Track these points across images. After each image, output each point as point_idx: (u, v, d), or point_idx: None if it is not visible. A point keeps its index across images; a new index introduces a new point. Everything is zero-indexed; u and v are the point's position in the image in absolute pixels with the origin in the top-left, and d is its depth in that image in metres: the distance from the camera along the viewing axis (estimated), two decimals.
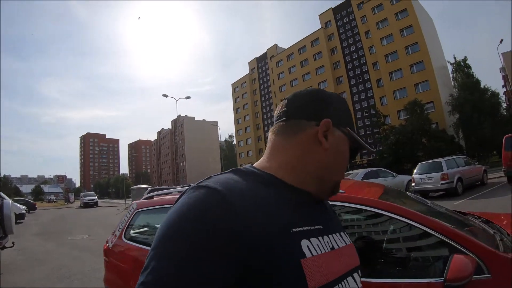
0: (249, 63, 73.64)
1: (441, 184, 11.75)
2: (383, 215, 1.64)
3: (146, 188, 21.29)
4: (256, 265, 0.50)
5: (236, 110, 75.40)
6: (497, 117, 30.38)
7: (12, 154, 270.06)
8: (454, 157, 13.32)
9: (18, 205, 19.55)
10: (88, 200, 36.97)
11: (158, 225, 0.56)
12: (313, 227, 0.60)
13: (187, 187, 0.60)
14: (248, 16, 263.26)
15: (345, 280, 0.61)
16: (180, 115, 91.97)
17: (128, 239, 2.61)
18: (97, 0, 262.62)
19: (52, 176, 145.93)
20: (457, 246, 1.42)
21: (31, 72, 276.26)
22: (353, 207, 1.73)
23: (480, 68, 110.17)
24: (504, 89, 37.28)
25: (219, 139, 73.94)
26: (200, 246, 0.48)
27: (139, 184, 48.69)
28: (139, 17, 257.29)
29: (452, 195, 11.42)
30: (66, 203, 52.31)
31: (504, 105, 33.51)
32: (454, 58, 37.48)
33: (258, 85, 69.88)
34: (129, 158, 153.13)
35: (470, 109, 30.41)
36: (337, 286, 0.58)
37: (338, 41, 50.13)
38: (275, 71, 61.54)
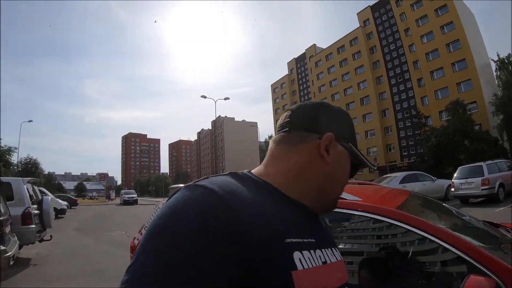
0: (288, 63, 74.78)
1: (482, 189, 11.34)
2: (399, 226, 1.57)
3: None
4: (248, 272, 0.50)
5: (275, 111, 76.79)
6: None
7: (56, 152, 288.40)
8: (496, 161, 12.93)
9: (60, 201, 21.12)
10: (128, 197, 38.23)
11: None
12: (306, 240, 0.59)
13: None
14: (286, 16, 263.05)
15: None
16: (219, 115, 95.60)
17: None
18: (136, 1, 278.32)
19: (94, 174, 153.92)
20: (476, 265, 1.33)
21: (73, 74, 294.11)
22: (368, 217, 1.68)
23: None
24: None
25: (259, 140, 75.79)
26: (198, 246, 0.48)
27: (178, 183, 51.59)
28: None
29: (493, 202, 11.08)
30: (107, 200, 54.54)
31: None
32: (498, 55, 35.61)
33: (297, 85, 70.83)
34: (169, 157, 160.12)
35: None
36: None
37: (377, 39, 49.76)
38: (314, 71, 62.17)
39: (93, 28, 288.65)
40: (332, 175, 0.66)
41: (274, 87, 77.67)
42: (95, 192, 76.32)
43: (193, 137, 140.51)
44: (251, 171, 0.68)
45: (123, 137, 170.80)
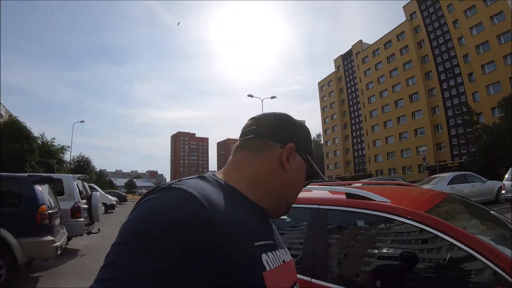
0: (334, 60, 74.54)
1: None
2: (427, 231, 1.51)
3: None
4: (223, 275, 0.53)
5: (323, 109, 77.04)
6: None
7: (108, 151, 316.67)
8: None
9: (110, 196, 22.48)
10: None
11: None
12: (268, 242, 0.65)
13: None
14: (332, 13, 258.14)
15: None
16: None
17: None
18: (181, 4, 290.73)
19: (144, 172, 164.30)
20: (507, 277, 1.26)
21: (124, 76, 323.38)
22: (396, 220, 1.63)
23: None
24: None
25: None
26: (178, 249, 0.50)
27: None
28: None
29: None
30: None
31: None
32: None
33: (344, 83, 70.37)
34: (217, 156, 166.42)
35: None
36: None
37: (425, 33, 48.13)
38: (361, 68, 61.55)
39: (141, 33, 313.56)
40: (290, 183, 0.72)
41: (321, 85, 77.82)
42: (144, 189, 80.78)
43: None
44: (215, 174, 0.72)
45: (172, 136, 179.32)
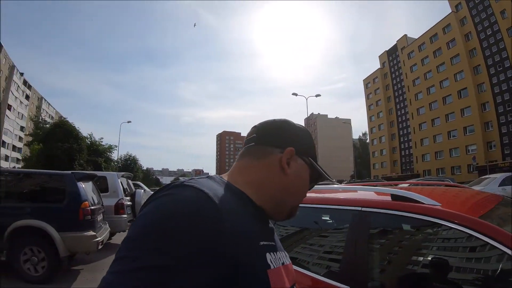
0: (379, 56, 72.89)
1: None
2: (478, 238, 1.39)
3: None
4: (232, 271, 0.56)
5: (369, 107, 75.73)
6: None
7: (154, 150, 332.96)
8: None
9: None
10: None
11: None
12: (270, 243, 0.69)
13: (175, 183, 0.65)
14: (375, 8, 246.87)
15: None
16: (312, 113, 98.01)
17: None
18: (223, 5, 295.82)
19: (190, 170, 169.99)
20: None
21: (169, 77, 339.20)
22: (445, 225, 1.51)
23: None
24: None
25: (352, 137, 75.85)
26: (192, 246, 0.53)
27: None
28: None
29: None
30: None
31: None
32: None
33: (390, 79, 68.71)
34: None
35: None
36: None
37: (472, 24, 45.87)
38: (407, 63, 59.95)
39: (185, 34, 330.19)
40: (291, 186, 0.75)
41: (367, 82, 76.59)
42: None
43: None
44: (222, 176, 0.76)
45: (217, 135, 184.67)
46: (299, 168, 0.76)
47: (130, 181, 9.65)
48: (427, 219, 1.57)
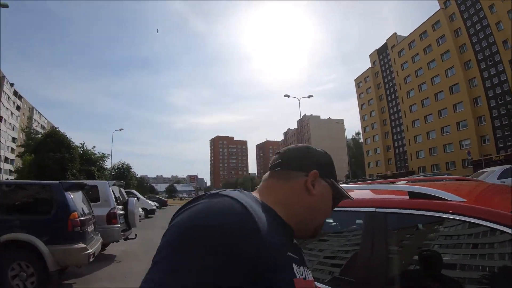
0: (370, 56, 73.03)
1: None
2: None
3: None
4: (259, 278, 0.59)
5: (361, 106, 75.78)
6: None
7: (149, 157, 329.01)
8: None
9: (150, 202, 23.48)
10: None
11: None
12: (296, 256, 0.73)
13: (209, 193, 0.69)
14: (362, 8, 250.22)
15: None
16: (305, 114, 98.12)
17: None
18: (210, 11, 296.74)
19: (185, 176, 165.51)
20: None
21: (161, 84, 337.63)
22: (476, 223, 1.32)
23: None
24: None
25: (346, 137, 75.88)
26: (229, 250, 0.57)
27: None
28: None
29: None
30: None
31: None
32: None
33: (381, 78, 68.86)
34: (257, 158, 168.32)
35: None
36: None
37: (461, 20, 46.08)
38: (397, 61, 60.10)
39: (175, 41, 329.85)
40: (316, 206, 0.80)
41: (358, 82, 76.71)
42: (185, 193, 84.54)
43: (280, 137, 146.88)
44: (250, 193, 0.80)
45: (210, 140, 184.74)
46: (323, 189, 0.81)
47: (122, 189, 9.40)
48: (455, 218, 1.38)
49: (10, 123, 70.69)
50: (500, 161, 35.52)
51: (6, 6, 14.52)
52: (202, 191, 77.50)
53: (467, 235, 1.40)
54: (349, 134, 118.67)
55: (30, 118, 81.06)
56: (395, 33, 63.64)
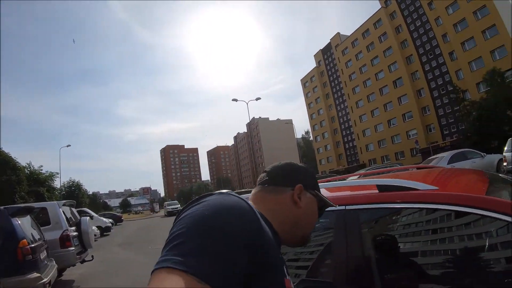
0: (314, 56, 74.87)
1: None
2: (498, 219, 1.19)
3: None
4: (258, 270, 0.63)
5: (309, 105, 77.25)
6: None
7: (100, 172, 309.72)
8: None
9: (104, 219, 22.35)
10: (171, 208, 39.48)
11: None
12: (283, 259, 0.78)
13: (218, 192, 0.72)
14: (305, 9, 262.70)
15: None
16: (254, 117, 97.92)
17: None
18: (154, 19, 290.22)
19: (138, 189, 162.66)
20: None
21: (108, 96, 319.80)
22: (450, 209, 1.30)
23: None
24: None
25: (296, 137, 76.72)
26: (239, 239, 0.59)
27: (220, 189, 53.82)
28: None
29: None
30: (151, 213, 57.12)
31: None
32: None
33: (327, 77, 70.73)
34: (209, 165, 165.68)
35: None
36: None
37: (402, 18, 48.74)
38: (342, 60, 61.99)
39: (119, 51, 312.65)
40: (304, 217, 0.86)
41: (304, 82, 78.14)
42: (139, 206, 79.76)
43: (230, 142, 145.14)
44: None
45: (161, 150, 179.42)
46: (308, 201, 0.88)
47: (74, 209, 8.89)
48: (430, 207, 1.36)
49: None
50: (447, 147, 37.58)
51: None
52: (157, 202, 74.75)
53: (453, 223, 1.35)
54: (299, 133, 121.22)
55: None
56: (338, 33, 65.74)
